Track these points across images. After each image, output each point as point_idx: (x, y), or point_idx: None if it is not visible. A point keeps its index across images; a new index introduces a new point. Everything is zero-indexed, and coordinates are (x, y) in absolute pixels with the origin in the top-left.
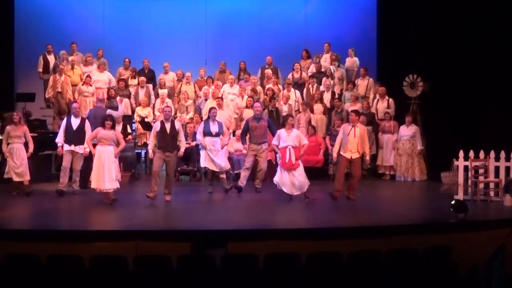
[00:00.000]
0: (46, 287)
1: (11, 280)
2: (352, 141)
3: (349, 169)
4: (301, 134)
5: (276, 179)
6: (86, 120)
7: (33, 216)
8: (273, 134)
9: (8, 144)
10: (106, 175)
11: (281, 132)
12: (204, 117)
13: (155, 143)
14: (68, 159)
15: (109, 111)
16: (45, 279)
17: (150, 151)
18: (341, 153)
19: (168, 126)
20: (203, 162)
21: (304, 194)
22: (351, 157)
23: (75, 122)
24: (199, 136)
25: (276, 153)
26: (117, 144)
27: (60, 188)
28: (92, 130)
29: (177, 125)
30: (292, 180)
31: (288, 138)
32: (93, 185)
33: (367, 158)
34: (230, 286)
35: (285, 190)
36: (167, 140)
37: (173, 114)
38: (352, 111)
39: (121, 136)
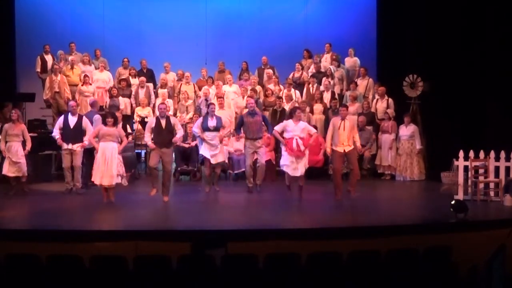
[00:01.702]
0: (46, 287)
1: (11, 280)
2: (342, 134)
3: (347, 165)
4: (308, 125)
5: (282, 163)
6: (84, 117)
7: (33, 216)
8: (268, 129)
9: (6, 142)
10: (108, 171)
11: (288, 122)
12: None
13: (151, 137)
14: (68, 159)
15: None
16: (45, 279)
17: (150, 143)
18: (334, 148)
19: (163, 122)
20: (203, 151)
21: (299, 194)
22: (344, 150)
23: (72, 120)
24: (196, 129)
25: (275, 153)
26: (120, 141)
27: (68, 188)
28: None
29: (173, 120)
30: (296, 165)
31: (296, 128)
32: (96, 180)
33: (358, 145)
34: (230, 286)
35: (287, 171)
36: (163, 135)
37: (172, 114)
38: (343, 105)
39: (123, 134)
